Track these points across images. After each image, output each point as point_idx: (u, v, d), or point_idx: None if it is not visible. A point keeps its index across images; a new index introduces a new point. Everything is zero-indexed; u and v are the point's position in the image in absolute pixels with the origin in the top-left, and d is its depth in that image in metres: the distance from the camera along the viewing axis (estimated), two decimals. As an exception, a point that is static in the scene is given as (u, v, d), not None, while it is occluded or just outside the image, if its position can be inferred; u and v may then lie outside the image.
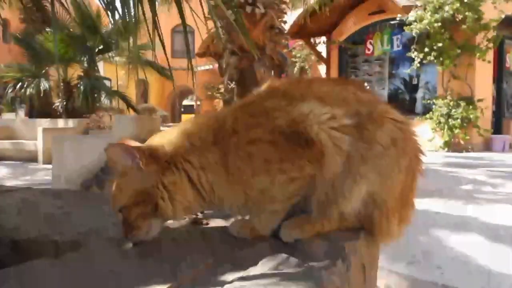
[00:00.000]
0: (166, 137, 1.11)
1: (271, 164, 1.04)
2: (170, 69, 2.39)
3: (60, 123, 9.13)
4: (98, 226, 1.21)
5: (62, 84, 10.28)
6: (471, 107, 9.94)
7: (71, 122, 8.99)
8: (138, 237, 1.04)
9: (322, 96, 1.09)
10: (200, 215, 1.29)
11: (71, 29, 10.22)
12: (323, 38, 13.21)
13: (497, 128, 11.44)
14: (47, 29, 10.40)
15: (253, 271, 0.87)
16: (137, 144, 1.09)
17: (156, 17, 1.77)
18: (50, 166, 5.86)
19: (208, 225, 1.23)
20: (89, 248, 1.04)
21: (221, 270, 0.91)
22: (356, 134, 1.05)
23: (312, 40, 13.20)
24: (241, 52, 6.19)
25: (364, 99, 1.12)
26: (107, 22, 10.73)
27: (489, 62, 9.99)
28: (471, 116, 9.85)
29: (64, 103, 10.31)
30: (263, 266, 0.88)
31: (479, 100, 10.02)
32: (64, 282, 0.83)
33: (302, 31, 12.10)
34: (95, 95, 10.35)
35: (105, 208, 1.42)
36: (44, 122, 8.93)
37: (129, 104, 11.58)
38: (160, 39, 2.02)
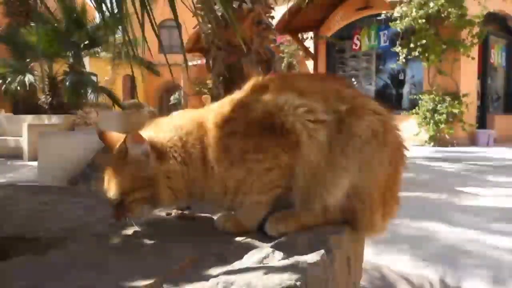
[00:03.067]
0: (159, 129, 1.14)
1: (247, 155, 1.06)
2: (169, 64, 2.37)
3: (46, 119, 9.02)
4: (83, 222, 1.21)
5: (47, 79, 10.14)
6: (456, 102, 10.06)
7: (56, 118, 8.88)
8: (130, 219, 1.08)
9: (301, 90, 1.10)
10: (186, 211, 1.29)
11: (55, 24, 10.05)
12: (311, 34, 13.23)
13: (482, 123, 11.62)
14: (31, 23, 10.23)
15: (238, 265, 0.88)
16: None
17: (147, 11, 1.75)
18: (35, 163, 5.79)
19: (194, 220, 1.23)
20: (74, 244, 1.04)
21: (206, 264, 0.91)
22: (335, 128, 1.06)
23: (299, 35, 13.21)
24: (228, 48, 6.17)
25: (346, 95, 1.13)
26: (92, 17, 10.61)
27: (472, 58, 10.10)
28: (456, 111, 9.98)
29: (50, 99, 10.17)
30: (248, 260, 0.89)
31: (464, 95, 10.14)
32: (46, 279, 0.83)
33: (290, 26, 12.10)
34: (81, 90, 10.23)
35: (91, 203, 1.41)
36: (29, 118, 8.81)
37: (115, 100, 11.49)
38: (155, 33, 2.00)
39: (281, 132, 1.05)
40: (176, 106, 19.45)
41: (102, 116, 5.87)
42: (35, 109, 9.96)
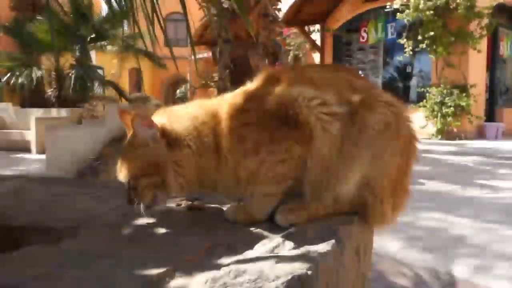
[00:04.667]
0: (174, 117, 1.15)
1: (260, 146, 1.06)
2: (174, 58, 2.36)
3: (53, 112, 9.07)
4: (94, 212, 1.22)
5: (54, 73, 10.18)
6: (464, 95, 9.98)
7: (64, 112, 8.93)
8: (143, 204, 1.08)
9: (314, 82, 1.10)
10: (196, 202, 1.30)
11: (62, 17, 10.07)
12: (317, 26, 13.16)
13: (490, 116, 11.52)
14: (38, 17, 10.25)
15: (249, 254, 0.88)
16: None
17: (153, 4, 1.74)
18: (43, 156, 5.83)
19: (204, 211, 1.24)
20: (87, 233, 1.05)
21: (217, 253, 0.92)
22: (348, 120, 1.06)
23: (306, 28, 13.14)
24: (235, 40, 6.17)
25: (358, 86, 1.13)
26: (99, 11, 10.61)
27: (479, 51, 9.99)
28: (464, 104, 9.90)
29: (57, 92, 10.22)
30: (259, 249, 0.89)
31: (472, 86, 10.05)
32: (60, 267, 0.84)
33: (296, 19, 12.04)
34: (88, 84, 10.27)
35: (102, 194, 1.42)
36: (37, 112, 8.87)
37: (121, 94, 11.52)
38: (160, 26, 2.00)
39: (295, 124, 1.05)
40: (182, 100, 19.46)
41: (109, 109, 5.88)
42: (43, 103, 10.02)
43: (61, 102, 10.02)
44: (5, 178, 1.68)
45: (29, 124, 8.28)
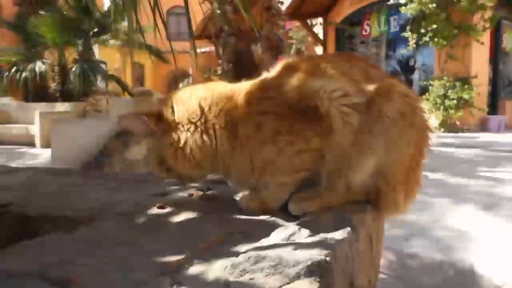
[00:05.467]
0: (180, 97, 1.17)
1: (279, 135, 1.07)
2: (173, 52, 2.36)
3: (57, 107, 9.08)
4: (108, 202, 1.22)
5: (57, 67, 10.18)
6: (467, 87, 9.96)
7: (67, 106, 8.95)
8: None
9: (333, 73, 1.10)
10: (209, 192, 1.31)
11: (65, 12, 10.06)
12: (320, 19, 13.11)
13: (493, 108, 11.49)
14: (41, 12, 10.24)
15: (265, 241, 0.89)
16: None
17: None
18: (48, 150, 5.85)
19: (217, 200, 1.25)
20: (101, 222, 1.05)
21: (233, 241, 0.92)
22: (364, 109, 1.06)
23: (308, 21, 13.10)
24: (238, 34, 6.15)
25: (374, 75, 1.13)
26: (101, 4, 10.59)
27: (481, 43, 9.95)
28: (467, 96, 9.88)
29: (60, 87, 10.23)
30: (275, 237, 0.90)
31: (473, 77, 10.02)
32: (78, 254, 0.85)
33: (299, 12, 12.00)
34: (91, 78, 10.27)
35: (113, 185, 1.43)
36: (41, 106, 8.88)
37: (124, 88, 11.52)
38: (162, 20, 2.00)
39: (315, 116, 1.05)
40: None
41: (113, 103, 5.89)
42: (46, 97, 10.03)
43: (65, 96, 10.04)
44: (16, 170, 1.69)
45: (33, 119, 8.30)
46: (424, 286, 2.31)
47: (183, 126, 1.12)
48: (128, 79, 14.11)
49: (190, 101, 1.14)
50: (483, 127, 10.67)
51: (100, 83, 11.04)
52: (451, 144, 7.48)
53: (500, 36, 11.60)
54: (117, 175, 1.60)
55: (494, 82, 11.78)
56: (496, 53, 11.58)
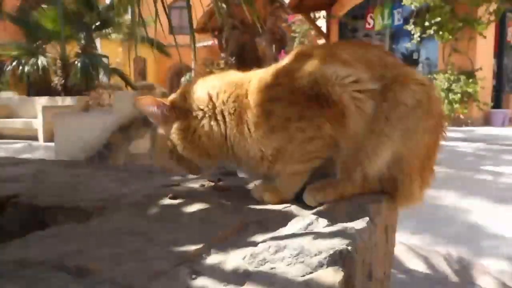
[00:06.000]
0: (193, 87, 1.18)
1: (290, 122, 1.05)
2: (177, 46, 2.34)
3: (59, 101, 9.06)
4: (119, 193, 1.21)
5: (60, 61, 10.15)
6: (471, 81, 9.90)
7: (70, 100, 8.92)
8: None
9: (346, 59, 1.08)
10: (221, 182, 1.29)
11: (66, 5, 10.00)
12: (323, 13, 13.03)
13: (497, 102, 11.43)
14: (42, 6, 10.19)
15: (283, 231, 0.87)
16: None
17: None
18: (51, 144, 5.85)
19: (229, 191, 1.23)
20: (114, 213, 1.04)
21: (250, 231, 0.91)
22: (380, 96, 1.04)
23: (311, 14, 13.02)
24: (242, 27, 6.11)
25: (389, 62, 1.11)
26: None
27: (484, 37, 9.87)
28: (471, 90, 9.83)
29: (63, 80, 10.21)
30: (293, 227, 0.88)
31: (478, 69, 9.96)
32: (93, 244, 0.83)
33: (302, 5, 11.90)
34: (93, 72, 10.24)
35: (122, 176, 1.42)
36: (43, 100, 8.87)
37: (127, 82, 11.50)
38: (166, 14, 1.98)
39: (327, 102, 1.03)
40: (187, 88, 19.36)
41: (116, 97, 5.87)
42: (49, 91, 10.00)
43: (67, 90, 10.01)
44: (24, 162, 1.68)
45: (35, 113, 8.29)
46: (431, 278, 2.30)
47: (192, 113, 1.13)
48: (130, 72, 14.08)
49: (200, 89, 1.16)
50: (487, 121, 10.62)
51: (102, 77, 11.01)
52: (455, 138, 7.45)
53: (505, 29, 11.51)
54: (126, 167, 1.59)
55: (499, 76, 11.71)
56: (501, 47, 11.50)
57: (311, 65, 1.07)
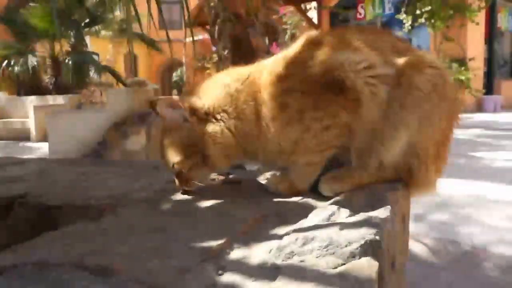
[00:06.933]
0: (204, 91, 1.13)
1: (305, 113, 1.03)
2: (168, 40, 2.29)
3: (51, 99, 8.96)
4: (128, 189, 1.18)
5: (49, 60, 10.02)
6: (463, 68, 9.93)
7: (61, 99, 8.82)
8: (192, 186, 1.11)
9: (357, 45, 1.06)
10: (231, 176, 1.27)
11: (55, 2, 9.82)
12: (314, 4, 12.97)
13: (489, 88, 11.50)
14: (31, 4, 10.02)
15: (305, 223, 0.85)
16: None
17: None
18: (44, 144, 5.77)
19: (241, 184, 1.21)
20: (126, 210, 1.01)
21: (269, 224, 0.89)
22: (394, 82, 1.02)
23: (302, 6, 12.95)
24: (235, 19, 6.05)
25: (401, 47, 1.09)
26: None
27: (477, 24, 9.90)
28: (463, 77, 9.86)
29: (53, 79, 10.08)
30: (315, 218, 0.86)
31: (471, 59, 10.00)
32: (111, 242, 0.80)
33: (293, -4, 11.85)
34: (84, 70, 10.12)
35: (129, 172, 1.39)
36: (34, 100, 8.76)
37: (118, 79, 11.38)
38: (158, 8, 1.93)
39: (341, 89, 1.00)
40: (179, 83, 19.29)
41: (109, 94, 5.81)
42: (39, 90, 9.88)
43: (58, 89, 9.89)
44: (25, 161, 1.64)
45: (26, 113, 8.19)
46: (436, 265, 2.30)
47: (215, 115, 1.08)
48: (121, 69, 13.96)
49: (217, 90, 1.11)
50: (479, 107, 10.68)
51: (93, 75, 10.89)
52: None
53: (495, 15, 11.55)
54: (131, 163, 1.56)
55: (490, 62, 11.76)
56: (491, 33, 11.54)
57: (323, 53, 1.05)
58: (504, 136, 6.34)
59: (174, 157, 1.08)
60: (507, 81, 12.13)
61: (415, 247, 2.44)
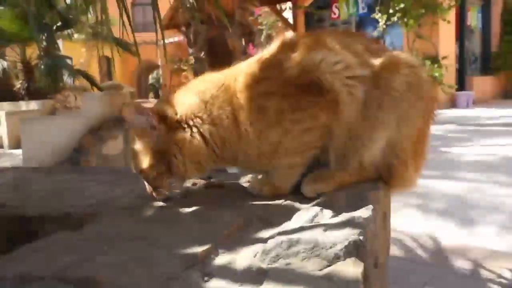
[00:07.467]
0: (179, 95, 1.12)
1: (284, 115, 1.03)
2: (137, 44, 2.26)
3: (23, 105, 8.74)
4: (108, 197, 1.16)
5: (21, 64, 9.77)
6: (436, 65, 10.15)
7: (34, 104, 8.62)
8: (161, 195, 1.08)
9: (333, 47, 1.07)
10: (213, 180, 1.26)
11: (23, 5, 9.59)
12: (289, 4, 13.04)
13: (461, 85, 11.78)
14: (-1, 7, 9.76)
15: (289, 225, 0.85)
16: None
17: None
18: (17, 151, 5.63)
19: (223, 187, 1.20)
20: (107, 218, 0.99)
21: (254, 227, 0.89)
22: (371, 83, 1.03)
23: (278, 6, 13.00)
24: (210, 21, 6.03)
25: (375, 49, 1.11)
26: (63, -4, 10.17)
27: (448, 22, 10.14)
28: (437, 74, 10.07)
29: (26, 84, 9.83)
30: (299, 220, 0.87)
31: (444, 58, 10.23)
32: (93, 252, 0.79)
33: (268, -3, 11.88)
34: (58, 74, 9.90)
35: (108, 179, 1.37)
36: (6, 106, 8.53)
37: (93, 83, 11.18)
38: (126, 11, 1.91)
39: (319, 91, 1.01)
40: (155, 86, 19.09)
41: (84, 98, 5.71)
42: (11, 96, 9.62)
43: (31, 94, 9.65)
44: (1, 170, 1.59)
45: (-2, 120, 7.97)
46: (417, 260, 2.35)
47: (188, 122, 1.07)
48: (95, 73, 13.72)
49: (191, 97, 1.10)
50: (452, 103, 10.93)
51: (67, 79, 10.66)
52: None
53: (465, 13, 11.84)
54: (111, 169, 1.53)
55: (461, 59, 12.05)
56: (461, 31, 11.83)
57: (299, 54, 1.05)
58: (477, 131, 6.51)
59: (141, 163, 1.06)
60: (479, 77, 12.46)
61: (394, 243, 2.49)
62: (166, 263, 0.73)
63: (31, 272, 0.69)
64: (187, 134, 1.06)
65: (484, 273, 2.10)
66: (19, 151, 5.44)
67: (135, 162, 1.08)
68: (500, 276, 2.06)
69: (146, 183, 1.09)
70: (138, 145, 1.08)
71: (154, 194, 1.08)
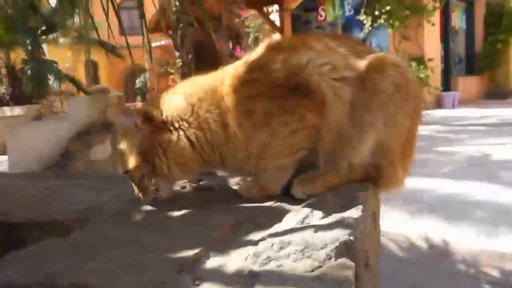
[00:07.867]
0: (166, 98, 1.12)
1: (271, 117, 1.03)
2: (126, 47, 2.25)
3: (8, 111, 8.61)
4: (95, 202, 1.15)
5: (5, 69, 9.62)
6: (422, 67, 10.25)
7: (20, 110, 8.49)
8: (147, 197, 1.08)
9: (320, 49, 1.07)
10: (202, 182, 1.26)
11: (7, 9, 9.47)
12: (276, 7, 13.08)
13: (447, 85, 11.92)
14: (-18, 11, 9.61)
15: (280, 227, 0.85)
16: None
17: None
18: (2, 158, 5.53)
19: (213, 190, 1.20)
20: (95, 224, 0.98)
21: (244, 230, 0.88)
22: (358, 85, 1.04)
23: (264, 9, 13.03)
24: (198, 24, 6.01)
25: (362, 51, 1.11)
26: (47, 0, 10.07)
27: (433, 24, 10.26)
28: (422, 75, 10.17)
29: (10, 89, 9.69)
30: (289, 222, 0.87)
31: (429, 60, 10.35)
32: (81, 259, 0.78)
33: (254, 0, 11.89)
34: (44, 79, 9.76)
35: (97, 184, 1.35)
36: (-13, 112, 8.39)
37: (79, 87, 11.08)
38: (116, 14, 1.90)
39: (306, 92, 1.02)
40: (142, 89, 18.98)
41: (71, 103, 5.65)
42: (-5, 102, 9.47)
43: (16, 100, 9.51)
44: (-15, 177, 1.57)
45: (-18, 125, 7.83)
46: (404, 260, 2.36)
47: (174, 124, 1.07)
48: (81, 77, 13.60)
49: (178, 99, 1.10)
50: (438, 103, 11.05)
51: (53, 84, 10.54)
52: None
53: (449, 15, 12.00)
54: (99, 174, 1.52)
55: (446, 60, 12.20)
56: (446, 32, 11.98)
57: (286, 56, 1.06)
58: (463, 131, 6.60)
59: (127, 164, 1.06)
60: (464, 78, 12.62)
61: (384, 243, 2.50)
62: (156, 268, 0.73)
63: (18, 280, 0.68)
64: (172, 136, 1.06)
65: (473, 272, 2.12)
66: (4, 157, 5.34)
67: (121, 163, 1.09)
68: (488, 274, 2.08)
69: (132, 184, 1.09)
70: (123, 146, 1.08)
71: (140, 195, 1.07)
